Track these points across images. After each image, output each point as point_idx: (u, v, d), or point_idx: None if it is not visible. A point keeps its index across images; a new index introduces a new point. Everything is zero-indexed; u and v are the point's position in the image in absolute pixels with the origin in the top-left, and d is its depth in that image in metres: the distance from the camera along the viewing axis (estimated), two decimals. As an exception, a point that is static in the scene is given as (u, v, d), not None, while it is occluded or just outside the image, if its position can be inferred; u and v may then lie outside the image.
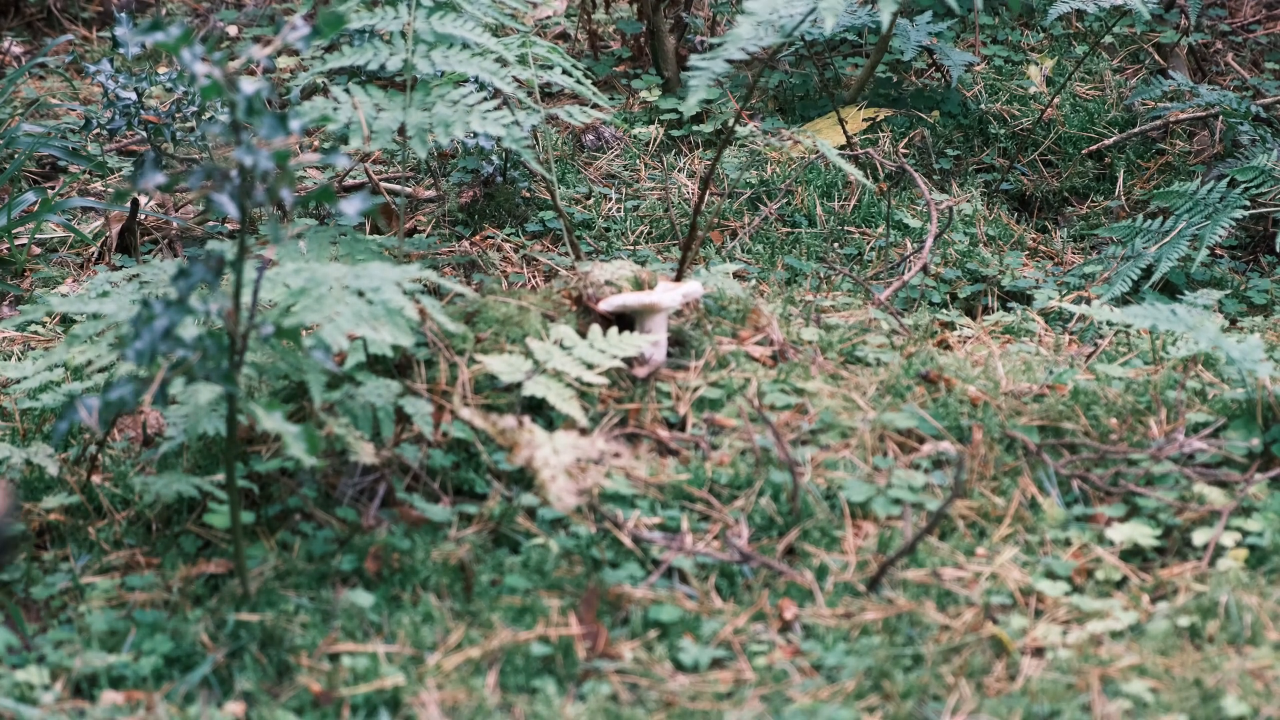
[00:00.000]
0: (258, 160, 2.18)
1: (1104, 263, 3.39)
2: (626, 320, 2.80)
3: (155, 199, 3.69)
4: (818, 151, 3.10)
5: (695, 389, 2.77)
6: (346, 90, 2.79)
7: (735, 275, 3.24)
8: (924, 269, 3.32)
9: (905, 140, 3.79)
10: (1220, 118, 3.82)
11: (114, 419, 2.63)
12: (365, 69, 2.93)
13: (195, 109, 3.58)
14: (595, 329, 2.77)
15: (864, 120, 3.86)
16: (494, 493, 2.60)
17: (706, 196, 3.65)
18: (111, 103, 3.55)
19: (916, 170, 3.61)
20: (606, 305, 2.77)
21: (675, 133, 3.89)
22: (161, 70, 4.07)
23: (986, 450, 2.66)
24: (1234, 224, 3.29)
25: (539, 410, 2.70)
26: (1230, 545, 2.50)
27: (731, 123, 2.93)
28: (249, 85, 2.18)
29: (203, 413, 2.41)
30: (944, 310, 3.26)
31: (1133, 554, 2.53)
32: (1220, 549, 2.50)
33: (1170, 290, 3.30)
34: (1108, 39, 4.21)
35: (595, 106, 3.90)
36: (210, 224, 3.56)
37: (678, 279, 2.96)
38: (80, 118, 4.05)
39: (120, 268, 3.48)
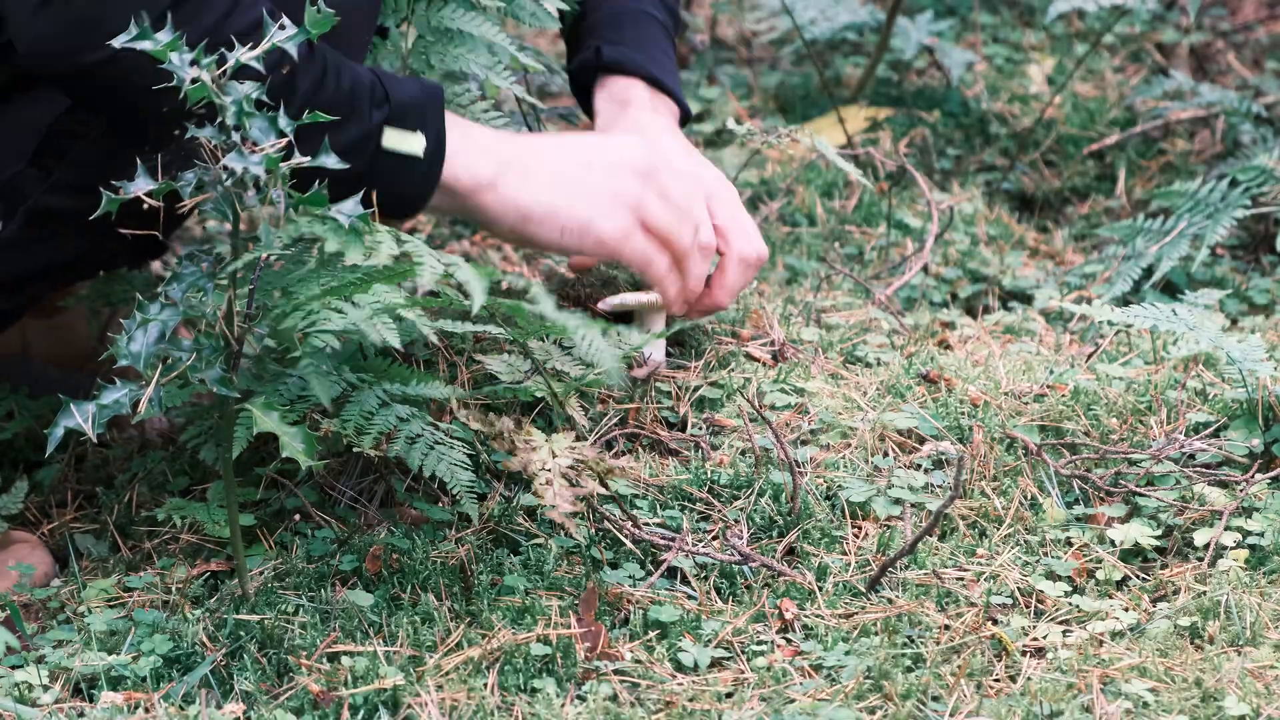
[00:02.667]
0: (248, 164, 2.17)
1: (1105, 262, 3.39)
2: (626, 319, 2.80)
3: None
4: (818, 150, 3.09)
5: (695, 389, 2.77)
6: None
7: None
8: (925, 268, 3.32)
9: (906, 139, 3.79)
10: (1221, 117, 3.81)
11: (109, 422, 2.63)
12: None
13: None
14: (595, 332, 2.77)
15: (865, 119, 3.85)
16: (493, 493, 2.60)
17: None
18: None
19: (917, 170, 3.60)
20: (605, 304, 2.77)
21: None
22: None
23: (987, 450, 2.66)
24: (1235, 223, 3.28)
25: (539, 410, 2.70)
26: (1231, 545, 2.50)
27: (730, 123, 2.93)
28: (239, 88, 2.17)
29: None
30: (945, 310, 3.26)
31: (1133, 554, 2.52)
32: (1221, 549, 2.50)
33: (1171, 290, 3.30)
34: (1108, 38, 4.20)
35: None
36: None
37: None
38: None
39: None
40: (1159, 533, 2.54)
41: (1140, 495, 2.59)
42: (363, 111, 2.36)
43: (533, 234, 2.52)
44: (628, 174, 2.54)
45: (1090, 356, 2.93)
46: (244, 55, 2.16)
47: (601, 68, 2.80)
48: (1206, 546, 2.50)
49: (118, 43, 2.14)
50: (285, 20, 2.18)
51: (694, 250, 2.60)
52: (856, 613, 2.41)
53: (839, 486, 2.61)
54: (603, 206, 2.52)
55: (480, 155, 2.46)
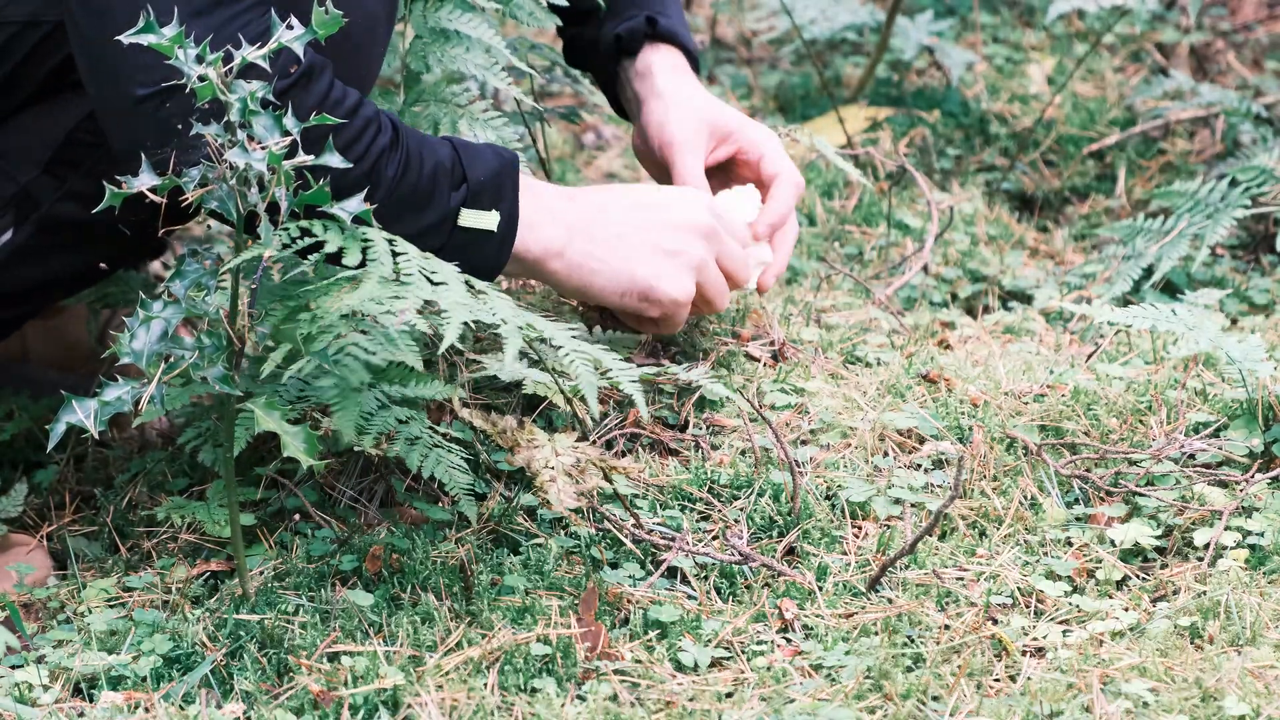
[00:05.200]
0: (251, 161, 2.17)
1: (1105, 262, 3.39)
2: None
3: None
4: (817, 150, 3.10)
5: (696, 389, 2.77)
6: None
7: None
8: (925, 268, 3.32)
9: (906, 139, 3.79)
10: (1221, 117, 3.81)
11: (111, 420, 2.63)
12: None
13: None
14: (597, 329, 2.77)
15: (865, 119, 3.85)
16: (494, 493, 2.60)
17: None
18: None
19: (917, 170, 3.60)
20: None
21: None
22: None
23: (987, 450, 2.66)
24: (1235, 223, 3.28)
25: (539, 410, 2.70)
26: (1231, 545, 2.50)
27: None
28: (245, 85, 2.17)
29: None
30: (945, 310, 3.26)
31: (1133, 554, 2.52)
32: (1221, 549, 2.50)
33: (1171, 290, 3.30)
34: (1108, 38, 4.20)
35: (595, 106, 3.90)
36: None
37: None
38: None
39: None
40: (1159, 533, 2.54)
41: (1140, 495, 2.59)
42: (442, 195, 2.46)
43: (596, 296, 2.64)
44: (693, 236, 2.65)
45: (1090, 356, 2.93)
46: (252, 54, 2.16)
47: (655, 36, 2.92)
48: (1206, 546, 2.50)
49: (124, 38, 2.15)
50: (293, 18, 2.19)
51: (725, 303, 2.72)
52: (856, 613, 2.41)
53: (839, 486, 2.61)
54: (665, 269, 2.63)
55: (550, 224, 2.56)
